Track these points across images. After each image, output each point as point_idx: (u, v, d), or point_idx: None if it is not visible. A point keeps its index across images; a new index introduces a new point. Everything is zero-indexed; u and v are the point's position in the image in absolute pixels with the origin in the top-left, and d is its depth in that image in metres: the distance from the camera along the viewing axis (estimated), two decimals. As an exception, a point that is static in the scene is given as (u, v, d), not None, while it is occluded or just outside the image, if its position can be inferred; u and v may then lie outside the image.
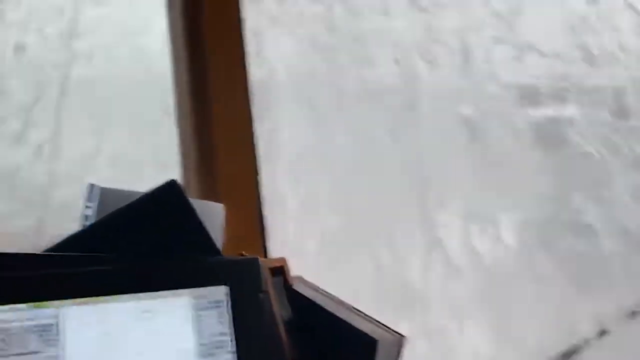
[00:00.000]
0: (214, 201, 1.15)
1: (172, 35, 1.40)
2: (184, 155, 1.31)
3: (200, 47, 1.34)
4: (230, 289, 0.91)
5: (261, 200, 1.25)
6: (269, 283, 0.94)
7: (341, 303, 1.09)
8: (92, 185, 1.17)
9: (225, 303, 0.90)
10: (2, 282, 0.80)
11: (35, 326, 0.80)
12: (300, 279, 1.05)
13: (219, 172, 1.25)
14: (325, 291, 1.09)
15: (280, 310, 0.95)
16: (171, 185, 0.98)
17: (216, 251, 0.99)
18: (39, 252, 0.91)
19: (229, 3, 1.38)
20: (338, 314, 1.00)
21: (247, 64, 1.30)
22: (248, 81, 1.31)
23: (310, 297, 1.01)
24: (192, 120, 1.28)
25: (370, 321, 1.10)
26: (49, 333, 0.80)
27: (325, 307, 1.00)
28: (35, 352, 0.78)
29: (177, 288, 0.88)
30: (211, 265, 0.93)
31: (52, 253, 0.89)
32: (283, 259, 1.02)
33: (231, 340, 0.87)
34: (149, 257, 0.90)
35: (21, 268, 0.85)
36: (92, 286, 0.84)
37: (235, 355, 0.87)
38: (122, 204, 1.03)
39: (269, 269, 0.96)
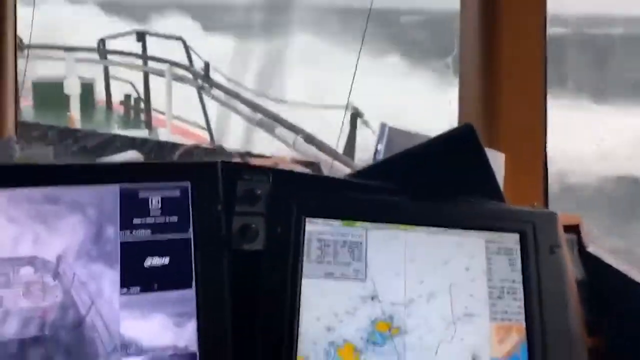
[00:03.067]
0: (495, 148, 1.14)
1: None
2: (464, 99, 1.31)
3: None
4: (521, 239, 0.91)
5: (546, 150, 1.18)
6: (563, 240, 0.90)
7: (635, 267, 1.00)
8: (383, 124, 1.27)
9: (516, 251, 0.90)
10: (320, 200, 0.93)
11: (347, 242, 0.91)
12: (592, 240, 0.99)
13: (502, 117, 1.22)
14: (617, 255, 1.01)
15: (572, 268, 0.92)
16: (467, 128, 0.99)
17: (501, 198, 0.99)
18: (345, 178, 1.02)
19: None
20: (636, 279, 0.92)
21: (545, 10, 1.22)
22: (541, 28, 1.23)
23: (606, 260, 0.95)
24: (477, 63, 1.26)
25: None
26: (357, 249, 0.90)
27: (622, 271, 0.93)
28: (346, 264, 0.89)
29: (471, 229, 0.90)
30: (505, 212, 0.93)
31: (357, 180, 0.99)
32: (578, 218, 0.97)
33: (520, 288, 0.88)
34: (441, 194, 0.94)
35: (333, 190, 0.97)
36: (394, 214, 0.91)
37: (523, 303, 0.87)
38: (407, 143, 1.08)
39: (564, 226, 0.92)
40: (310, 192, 0.93)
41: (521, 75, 1.24)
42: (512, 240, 0.91)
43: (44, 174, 0.84)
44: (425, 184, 0.96)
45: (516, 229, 0.91)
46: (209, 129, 4.82)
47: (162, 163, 0.92)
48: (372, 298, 0.87)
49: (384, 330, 0.86)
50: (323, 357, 0.84)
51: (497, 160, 1.11)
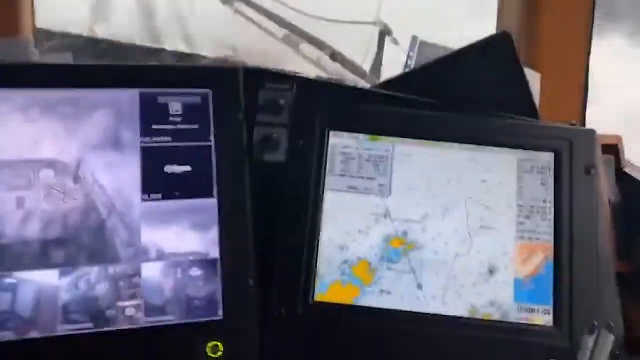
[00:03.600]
0: (534, 66, 1.07)
1: None
2: (503, 13, 1.22)
3: None
4: (556, 157, 0.86)
5: (588, 70, 1.11)
6: (600, 159, 0.86)
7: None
8: (414, 37, 1.20)
9: (549, 170, 0.86)
10: (345, 112, 0.89)
11: (372, 156, 0.88)
12: (630, 162, 0.94)
13: (544, 34, 1.14)
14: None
15: (608, 189, 0.88)
16: (504, 36, 0.92)
17: (536, 115, 0.93)
18: (372, 89, 0.98)
19: None
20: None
21: None
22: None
23: (642, 183, 0.91)
24: None
25: None
26: (382, 164, 0.87)
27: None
28: (370, 178, 0.87)
29: (504, 146, 0.86)
30: (539, 129, 0.89)
31: (384, 91, 0.94)
32: (619, 138, 0.92)
33: (550, 208, 0.85)
34: (473, 108, 0.89)
35: (358, 100, 0.93)
36: (423, 129, 0.87)
37: (552, 223, 0.84)
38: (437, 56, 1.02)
39: (602, 145, 0.87)
40: (335, 104, 0.90)
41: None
42: (546, 158, 0.87)
43: (62, 75, 0.81)
44: (457, 97, 0.90)
45: (551, 148, 0.86)
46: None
47: (183, 67, 0.88)
48: (396, 212, 0.85)
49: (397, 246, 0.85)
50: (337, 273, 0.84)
51: (532, 79, 1.04)
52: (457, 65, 0.93)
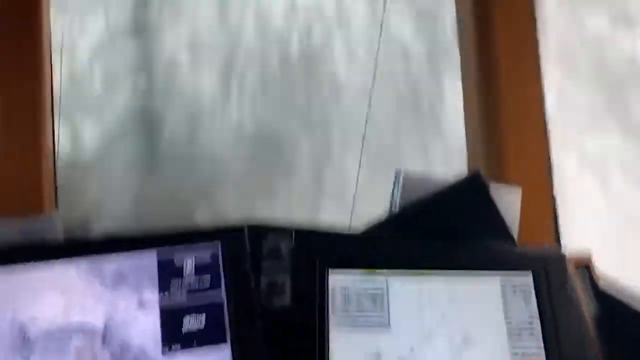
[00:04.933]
0: (502, 180, 1.19)
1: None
2: (470, 127, 1.35)
3: (489, 25, 1.33)
4: (535, 278, 0.95)
5: (552, 182, 1.23)
6: (575, 277, 0.95)
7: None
8: (398, 171, 1.33)
9: (531, 290, 0.95)
10: (340, 251, 0.99)
11: (367, 290, 0.96)
12: (602, 274, 1.03)
13: (507, 150, 1.26)
14: (629, 288, 1.05)
15: (586, 304, 0.96)
16: (475, 178, 1.06)
17: (512, 239, 1.04)
18: (361, 234, 1.09)
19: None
20: (648, 316, 0.95)
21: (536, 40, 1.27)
22: (538, 59, 1.28)
23: (617, 296, 0.99)
24: (478, 95, 1.31)
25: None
26: (379, 297, 0.96)
27: (634, 308, 0.96)
28: (369, 312, 0.95)
29: (485, 270, 0.96)
30: (518, 253, 0.99)
31: (373, 232, 1.06)
32: (589, 254, 1.01)
33: (537, 326, 0.92)
34: (455, 238, 1.00)
35: (354, 243, 1.03)
36: (412, 261, 0.97)
37: (541, 340, 0.91)
38: (422, 189, 1.15)
39: (575, 261, 0.96)
40: (331, 245, 1.00)
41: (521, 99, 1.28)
42: (527, 280, 0.96)
43: (87, 246, 0.92)
44: (440, 231, 1.02)
45: (529, 269, 0.96)
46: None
47: (195, 228, 0.99)
48: (393, 344, 0.92)
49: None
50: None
51: (513, 195, 1.15)
52: (436, 204, 1.05)
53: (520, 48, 1.31)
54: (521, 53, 1.31)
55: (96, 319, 0.86)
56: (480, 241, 1.00)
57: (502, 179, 1.26)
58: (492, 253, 0.98)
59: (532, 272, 0.95)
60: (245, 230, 0.97)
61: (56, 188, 1.40)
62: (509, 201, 1.11)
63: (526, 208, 1.18)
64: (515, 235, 1.04)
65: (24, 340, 0.83)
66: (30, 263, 0.88)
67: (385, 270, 0.97)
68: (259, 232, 0.98)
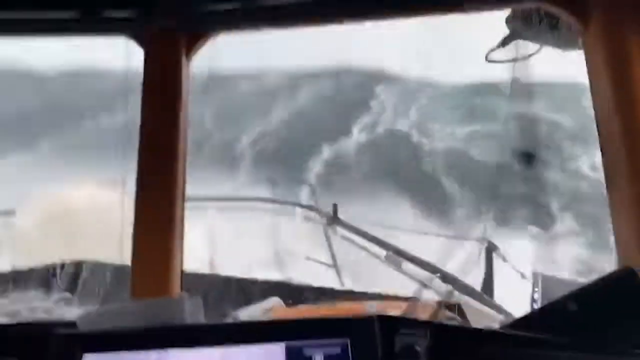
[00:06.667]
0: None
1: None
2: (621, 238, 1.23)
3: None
4: None
5: None
6: None
7: None
8: (536, 274, 1.24)
9: None
10: (481, 356, 0.89)
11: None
12: None
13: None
14: None
15: None
16: (628, 272, 0.94)
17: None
18: (504, 331, 0.99)
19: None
20: None
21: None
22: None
23: None
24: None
25: None
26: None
27: None
28: None
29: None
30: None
31: (516, 332, 0.95)
32: None
33: None
34: (605, 345, 0.87)
35: (487, 343, 0.93)
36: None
37: None
38: (563, 290, 1.03)
39: None
40: (470, 347, 0.91)
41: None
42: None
43: (219, 334, 0.91)
44: (588, 335, 0.89)
45: None
46: (335, 268, 4.89)
47: (322, 319, 0.95)
48: None
49: None
50: None
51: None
52: (583, 301, 0.93)
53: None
54: None
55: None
56: (634, 349, 0.86)
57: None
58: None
59: None
60: (376, 323, 0.91)
61: (182, 272, 1.45)
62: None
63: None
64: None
65: None
66: (164, 349, 0.88)
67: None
68: (391, 325, 0.92)
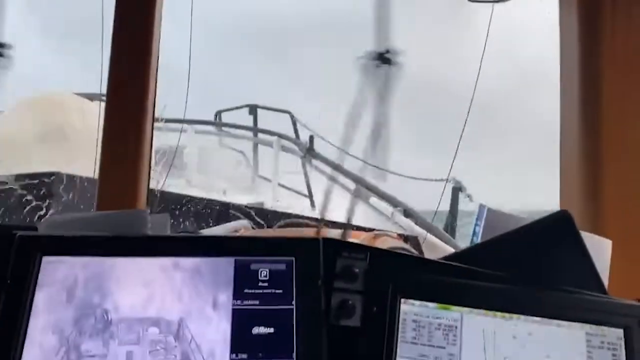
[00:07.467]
0: (599, 233, 1.12)
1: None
2: (566, 181, 1.30)
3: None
4: (625, 334, 0.88)
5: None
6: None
7: None
8: (482, 206, 1.30)
9: (620, 346, 0.87)
10: (416, 281, 0.97)
11: (441, 325, 0.93)
12: None
13: (606, 201, 1.19)
14: None
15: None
16: (563, 216, 1.00)
17: (603, 289, 0.96)
18: (442, 261, 1.06)
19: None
20: None
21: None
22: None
23: None
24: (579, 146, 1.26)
25: None
26: (452, 333, 0.92)
27: None
28: (440, 347, 0.91)
29: (571, 320, 0.89)
30: (607, 305, 0.91)
31: (454, 263, 1.02)
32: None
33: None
34: (540, 282, 0.94)
35: (429, 272, 1.00)
36: (491, 301, 0.93)
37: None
38: (506, 225, 1.10)
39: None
40: (406, 273, 0.98)
41: (628, 158, 1.22)
42: (615, 335, 0.88)
43: (173, 246, 0.96)
44: (523, 271, 0.96)
45: (620, 324, 0.88)
46: (310, 198, 5.02)
47: (272, 239, 1.01)
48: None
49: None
50: None
51: (602, 247, 1.08)
52: (520, 241, 1.00)
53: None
54: None
55: (171, 315, 0.90)
56: (567, 287, 0.94)
57: (597, 229, 1.19)
58: (580, 303, 0.91)
59: (624, 328, 0.87)
60: (321, 245, 0.97)
61: (148, 189, 1.49)
62: (599, 251, 1.03)
63: (620, 261, 1.11)
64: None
65: (105, 323, 0.88)
66: (120, 257, 0.94)
67: (461, 307, 0.93)
68: (334, 248, 0.98)
